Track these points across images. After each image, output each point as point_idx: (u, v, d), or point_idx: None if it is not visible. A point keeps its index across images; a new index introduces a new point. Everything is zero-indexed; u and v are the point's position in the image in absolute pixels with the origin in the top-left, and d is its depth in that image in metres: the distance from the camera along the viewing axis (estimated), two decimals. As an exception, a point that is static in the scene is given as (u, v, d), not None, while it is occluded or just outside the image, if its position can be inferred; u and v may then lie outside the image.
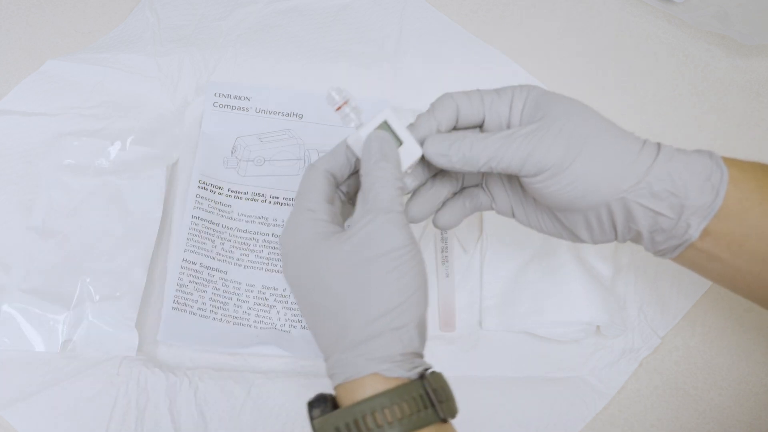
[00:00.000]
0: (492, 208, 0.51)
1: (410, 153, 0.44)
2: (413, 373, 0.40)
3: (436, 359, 0.58)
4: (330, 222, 0.43)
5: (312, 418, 0.40)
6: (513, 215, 0.50)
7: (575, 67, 0.72)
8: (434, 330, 0.60)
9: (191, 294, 0.58)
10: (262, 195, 0.63)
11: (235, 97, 0.66)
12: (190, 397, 0.55)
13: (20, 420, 0.53)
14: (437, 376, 0.40)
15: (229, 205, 0.62)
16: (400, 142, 0.44)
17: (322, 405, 0.40)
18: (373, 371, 0.39)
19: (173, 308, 0.57)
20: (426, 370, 0.41)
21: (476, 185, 0.51)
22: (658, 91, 0.71)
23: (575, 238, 0.47)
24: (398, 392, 0.39)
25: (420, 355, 0.42)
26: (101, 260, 0.58)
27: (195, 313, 0.57)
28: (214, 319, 0.58)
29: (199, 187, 0.62)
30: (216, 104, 0.66)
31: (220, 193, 0.62)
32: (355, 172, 0.47)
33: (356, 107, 0.45)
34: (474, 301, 0.61)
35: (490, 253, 0.62)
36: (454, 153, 0.43)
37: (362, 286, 0.39)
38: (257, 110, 0.66)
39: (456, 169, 0.44)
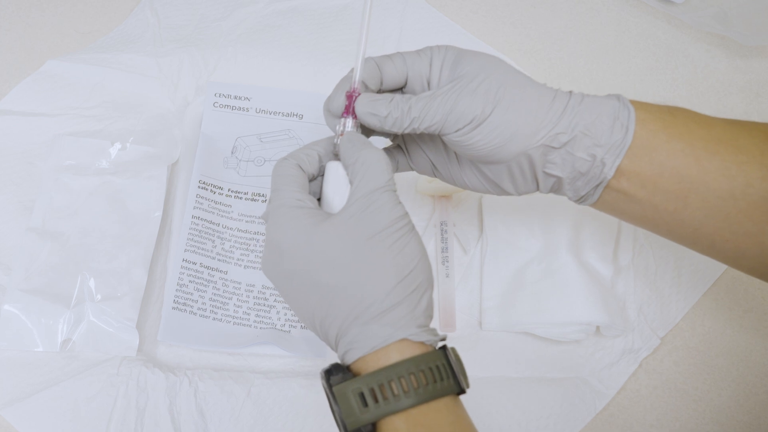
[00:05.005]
0: (411, 168, 0.52)
1: None
2: (435, 340, 0.41)
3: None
4: (319, 209, 0.43)
5: (331, 385, 0.40)
6: (434, 174, 0.51)
7: (575, 67, 0.72)
8: (434, 330, 0.60)
9: (191, 294, 0.58)
10: (263, 195, 0.63)
11: (235, 97, 0.66)
12: (190, 397, 0.55)
13: (20, 420, 0.53)
14: (454, 351, 0.42)
15: (230, 205, 0.62)
16: None
17: (341, 372, 0.40)
18: (401, 337, 0.40)
19: (173, 308, 0.57)
20: (443, 340, 0.42)
21: (395, 146, 0.52)
22: (658, 92, 0.71)
23: (500, 190, 0.49)
24: (423, 359, 0.39)
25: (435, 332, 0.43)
26: (101, 260, 0.58)
27: (195, 313, 0.58)
28: (214, 319, 0.58)
29: (199, 187, 0.62)
30: (216, 104, 0.66)
31: (220, 193, 0.62)
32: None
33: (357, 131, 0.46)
34: (474, 301, 0.61)
35: (490, 253, 0.62)
36: (383, 112, 0.44)
37: (375, 259, 0.40)
38: (257, 110, 0.66)
39: (385, 130, 0.45)
